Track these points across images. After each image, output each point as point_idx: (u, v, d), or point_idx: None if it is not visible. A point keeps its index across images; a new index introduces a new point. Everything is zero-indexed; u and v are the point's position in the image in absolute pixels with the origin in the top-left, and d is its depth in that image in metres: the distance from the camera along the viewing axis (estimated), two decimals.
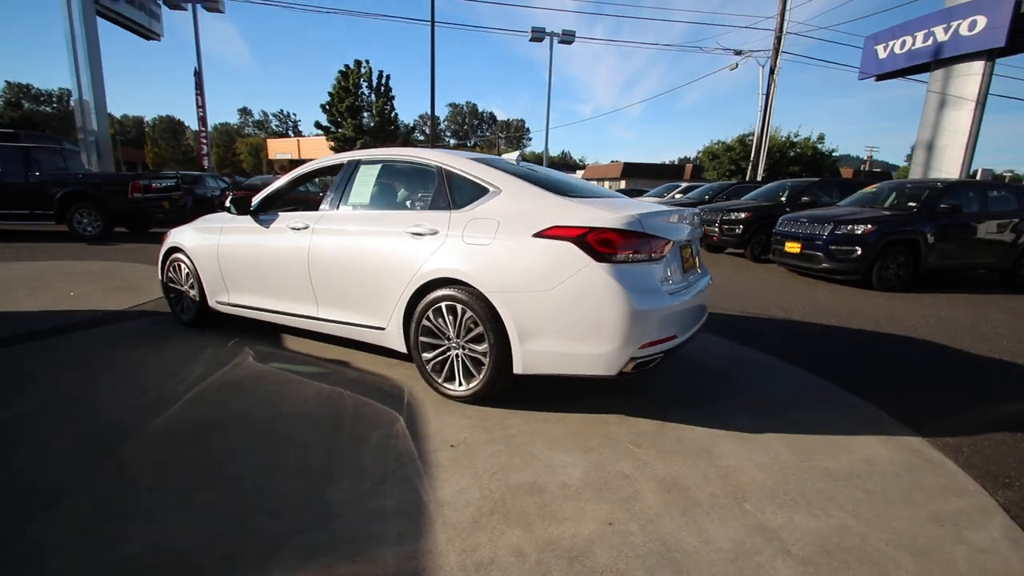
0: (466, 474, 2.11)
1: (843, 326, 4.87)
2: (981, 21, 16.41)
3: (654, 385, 3.14)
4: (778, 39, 23.64)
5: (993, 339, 4.56)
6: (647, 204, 2.91)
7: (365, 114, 32.44)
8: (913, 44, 18.81)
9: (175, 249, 4.24)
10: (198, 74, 17.99)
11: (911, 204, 7.21)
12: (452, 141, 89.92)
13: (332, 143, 33.05)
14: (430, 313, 2.82)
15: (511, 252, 2.56)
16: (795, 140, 35.98)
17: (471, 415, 2.67)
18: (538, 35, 18.96)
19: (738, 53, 23.47)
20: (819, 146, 38.68)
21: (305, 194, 10.45)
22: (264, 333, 4.05)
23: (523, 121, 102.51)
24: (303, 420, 2.56)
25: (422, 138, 50.88)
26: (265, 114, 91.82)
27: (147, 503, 1.87)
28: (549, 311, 2.46)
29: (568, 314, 2.43)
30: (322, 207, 3.42)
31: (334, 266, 3.21)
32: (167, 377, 3.10)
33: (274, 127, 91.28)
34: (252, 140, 63.64)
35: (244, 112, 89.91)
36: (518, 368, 2.59)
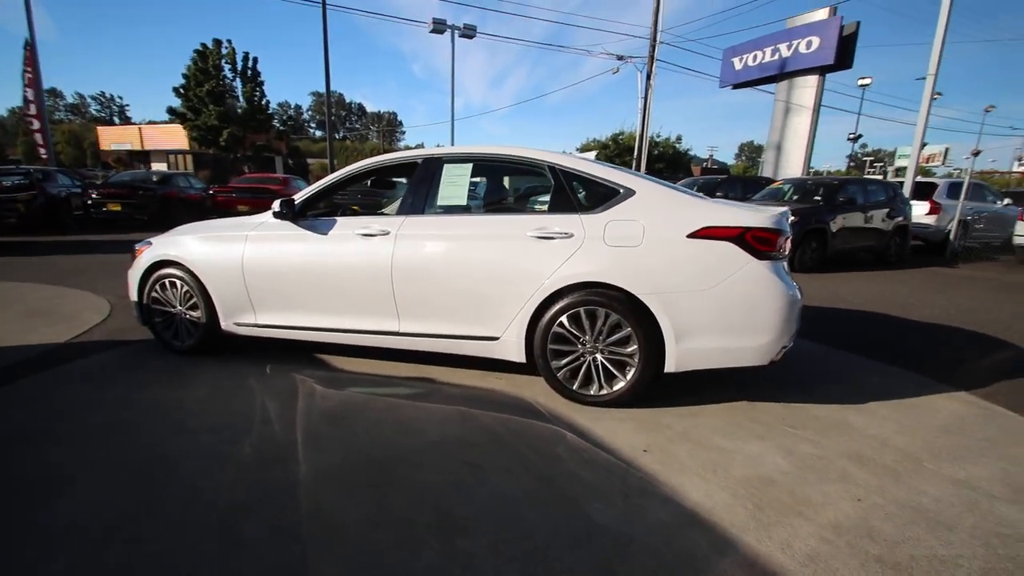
0: (691, 476, 2.12)
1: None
2: (815, 41, 19.67)
3: (723, 372, 3.36)
4: (652, 47, 25.90)
5: (919, 307, 5.63)
6: (758, 205, 3.11)
7: (231, 100, 28.96)
8: (764, 58, 21.89)
9: (165, 263, 3.51)
10: (30, 45, 14.45)
11: (816, 198, 8.52)
12: (318, 133, 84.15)
13: (190, 132, 29.06)
14: (564, 319, 2.73)
15: (664, 254, 2.58)
16: (658, 140, 39.88)
17: (623, 418, 2.66)
18: (439, 27, 18.56)
19: (620, 59, 25.30)
20: (677, 146, 43.37)
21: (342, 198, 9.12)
22: (289, 354, 3.55)
23: (395, 114, 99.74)
24: (471, 447, 2.33)
25: (283, 128, 46.64)
26: (81, 96, 77.39)
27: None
28: (709, 309, 2.55)
29: (729, 310, 2.54)
30: (395, 210, 3.09)
31: (428, 276, 2.94)
32: (238, 419, 2.60)
33: (94, 112, 77.41)
34: (70, 127, 53.12)
35: (53, 94, 74.74)
36: (671, 367, 2.64)
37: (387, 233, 3.00)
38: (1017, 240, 9.16)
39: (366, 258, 3.03)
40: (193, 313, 3.50)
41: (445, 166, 3.09)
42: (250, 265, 3.27)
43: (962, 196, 9.87)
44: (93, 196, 11.14)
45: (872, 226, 8.69)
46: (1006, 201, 11.83)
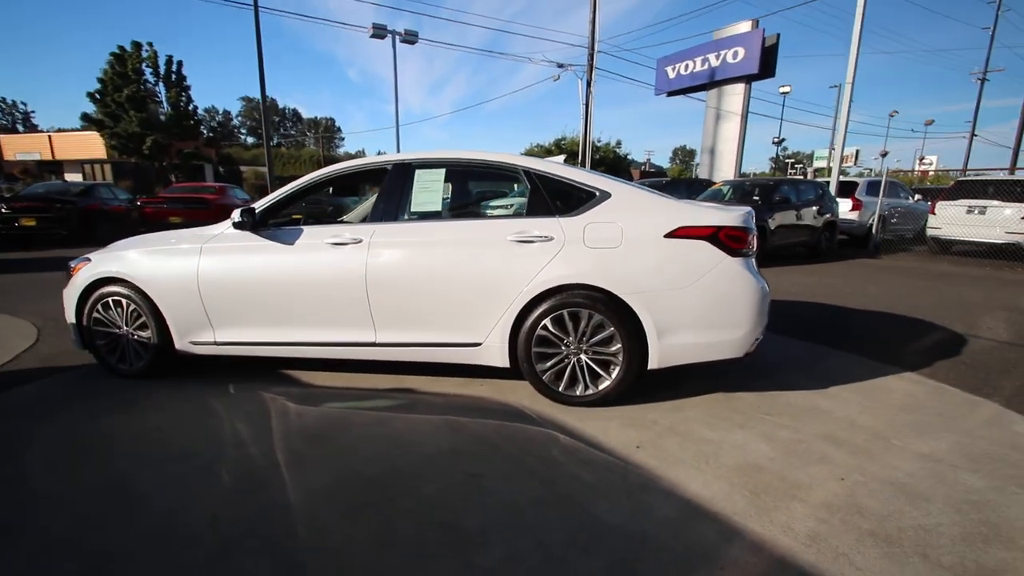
0: (686, 468, 2.17)
1: None
2: (741, 52, 20.91)
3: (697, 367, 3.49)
4: (591, 55, 26.59)
5: (855, 295, 6.07)
6: (725, 206, 3.24)
7: (154, 105, 27.13)
8: (695, 67, 23.03)
9: (107, 281, 3.23)
10: None
11: (754, 198, 9.02)
12: (250, 139, 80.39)
13: (108, 140, 26.97)
14: (547, 322, 2.73)
15: (644, 254, 2.64)
16: (599, 145, 41.01)
17: (610, 416, 2.68)
18: (379, 32, 18.20)
19: (560, 66, 25.80)
20: (617, 151, 44.75)
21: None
22: (252, 371, 3.35)
23: (332, 120, 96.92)
24: (467, 457, 2.27)
25: (211, 135, 43.86)
26: None
27: None
28: (688, 305, 2.62)
29: (707, 306, 2.63)
30: (357, 218, 2.99)
31: (405, 284, 2.86)
32: (207, 445, 2.41)
33: None
34: None
35: None
36: (653, 363, 2.70)
37: (359, 241, 2.90)
38: (930, 232, 10.08)
39: (338, 268, 2.91)
40: (142, 333, 3.23)
41: (417, 172, 3.02)
42: (207, 279, 3.06)
43: (881, 193, 10.76)
44: (3, 210, 10.08)
45: (805, 223, 9.30)
46: (917, 197, 13.01)
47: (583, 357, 2.75)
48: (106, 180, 28.26)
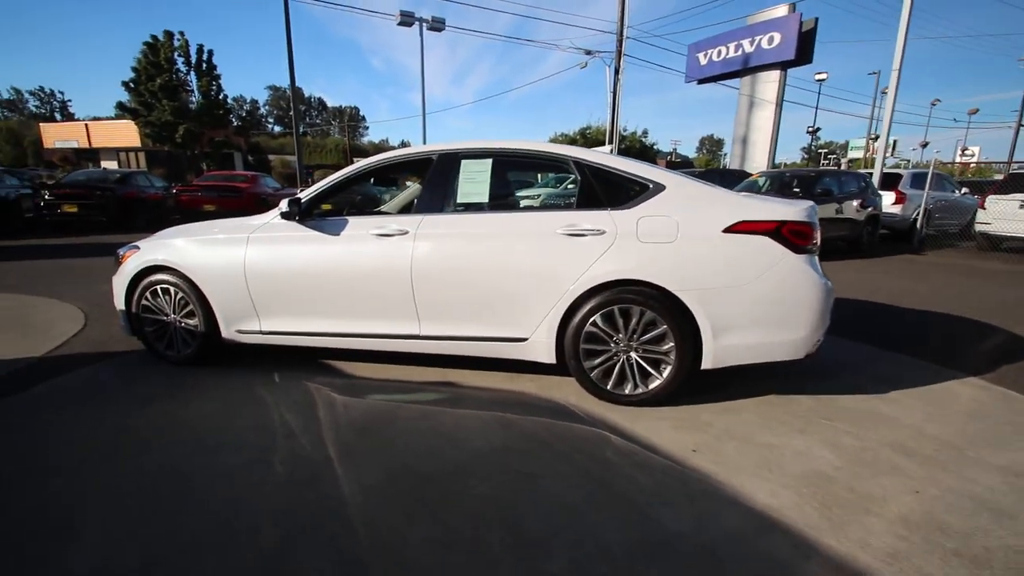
0: (749, 476, 2.08)
1: None
2: (777, 37, 20.21)
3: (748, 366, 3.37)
4: (619, 42, 26.06)
5: (904, 294, 5.82)
6: (785, 199, 3.11)
7: (185, 94, 27.64)
8: (727, 53, 22.36)
9: (155, 269, 3.26)
10: None
11: (794, 190, 8.73)
12: (276, 128, 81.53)
13: (143, 128, 27.60)
14: (597, 318, 2.66)
15: (701, 249, 2.54)
16: (624, 134, 40.40)
17: (660, 416, 2.61)
18: (407, 20, 18.14)
19: (588, 53, 25.36)
20: (643, 140, 43.98)
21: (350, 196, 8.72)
22: (295, 361, 3.36)
23: (357, 109, 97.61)
24: (520, 455, 2.23)
25: (240, 124, 44.30)
26: (18, 92, 72.50)
27: None
28: (747, 304, 2.52)
29: (767, 305, 2.52)
30: (395, 208, 2.94)
31: (452, 276, 2.81)
32: (258, 435, 2.42)
33: (33, 108, 72.81)
34: (7, 124, 49.67)
35: None
36: (707, 363, 2.60)
37: (405, 233, 2.86)
38: (979, 227, 9.62)
39: (383, 259, 2.88)
40: (189, 321, 3.26)
41: (463, 162, 2.96)
42: (254, 269, 3.07)
43: (927, 186, 10.31)
44: (47, 197, 10.40)
45: (846, 216, 8.97)
46: (964, 190, 12.43)
47: (633, 355, 2.68)
48: (140, 168, 29.03)
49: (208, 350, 3.29)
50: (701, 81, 24.62)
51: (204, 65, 28.73)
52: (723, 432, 2.45)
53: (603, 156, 2.83)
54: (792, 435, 2.44)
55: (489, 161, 2.92)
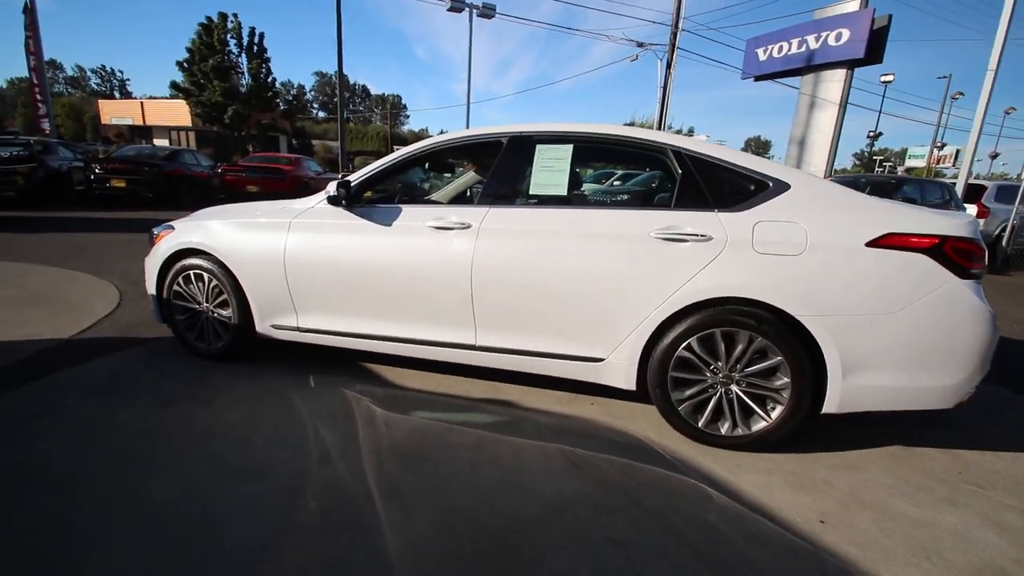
0: (903, 565, 1.61)
1: None
2: (845, 34, 18.91)
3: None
4: (674, 34, 25.07)
5: (1005, 322, 5.09)
6: (943, 210, 2.57)
7: (236, 76, 28.13)
8: (789, 50, 21.12)
9: (189, 252, 2.97)
10: (30, 9, 13.65)
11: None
12: (321, 114, 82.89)
13: (194, 108, 28.26)
14: (693, 342, 2.20)
15: (836, 265, 2.05)
16: (670, 131, 39.22)
17: (766, 467, 2.14)
18: (457, 6, 17.76)
19: (640, 45, 24.51)
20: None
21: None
22: (331, 363, 3.02)
23: (399, 97, 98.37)
24: (603, 512, 1.80)
25: (287, 108, 44.82)
26: (81, 69, 75.89)
27: None
28: (891, 337, 2.02)
29: (917, 340, 2.01)
30: (446, 197, 2.55)
31: (519, 280, 2.40)
32: (289, 456, 2.07)
33: (94, 85, 76.12)
34: (70, 100, 51.96)
35: (52, 66, 73.24)
36: (831, 406, 2.11)
37: (467, 226, 2.46)
38: None
39: (440, 255, 2.50)
40: (222, 312, 2.96)
41: (538, 147, 2.53)
42: (294, 258, 2.73)
43: (1018, 201, 9.32)
44: (96, 171, 10.51)
45: None
46: None
47: (734, 388, 2.21)
48: (190, 147, 29.80)
49: (241, 344, 2.99)
50: (759, 78, 23.41)
51: (255, 48, 29.19)
52: (849, 496, 1.97)
53: (710, 146, 2.36)
54: (940, 507, 1.93)
55: (569, 147, 2.48)
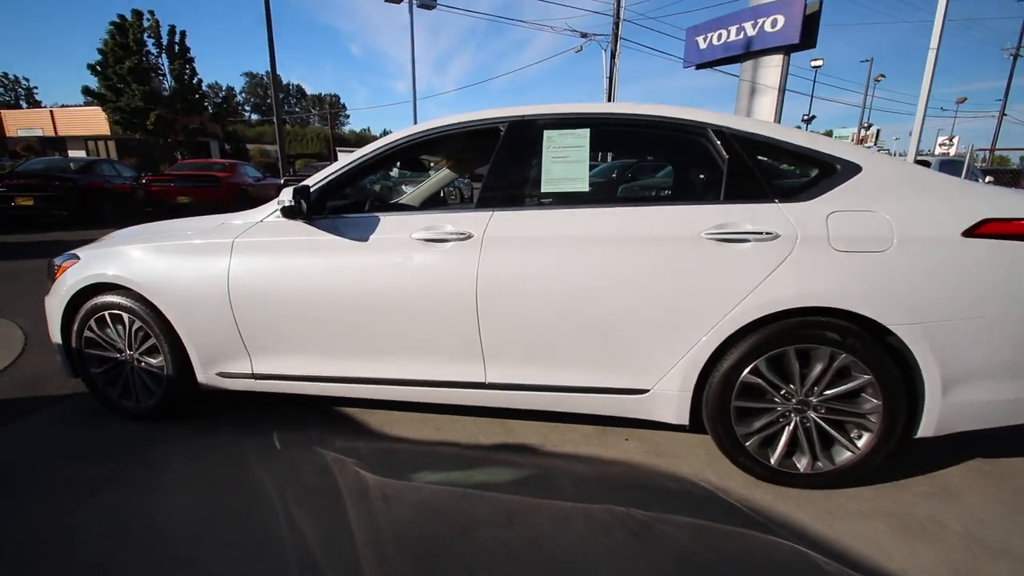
0: None
1: None
2: (780, 19, 19.39)
3: None
4: (616, 24, 25.15)
5: None
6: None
7: (157, 78, 26.02)
8: (728, 37, 21.49)
9: (102, 288, 2.32)
10: None
11: None
12: (254, 116, 78.90)
13: (111, 115, 25.96)
14: (761, 363, 1.80)
15: (930, 260, 1.69)
16: None
17: (862, 508, 1.77)
18: None
19: (584, 36, 24.39)
20: None
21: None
22: (298, 409, 2.45)
23: (337, 96, 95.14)
24: None
25: (216, 111, 41.55)
26: None
27: None
28: (996, 343, 1.68)
29: None
30: (418, 199, 2.06)
31: (537, 300, 1.93)
32: (260, 563, 1.52)
33: None
34: None
35: None
36: (927, 429, 1.76)
37: (467, 237, 1.96)
38: None
39: (434, 275, 1.99)
40: (151, 360, 2.34)
41: (545, 134, 2.05)
42: (242, 288, 2.15)
43: (963, 175, 9.67)
44: None
45: None
46: (988, 179, 11.87)
47: (812, 416, 1.83)
48: (110, 157, 27.35)
49: (180, 399, 2.37)
50: (700, 66, 23.77)
51: (177, 47, 27.10)
52: (970, 538, 1.62)
53: (758, 123, 1.96)
54: None
55: (586, 132, 2.01)
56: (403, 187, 6.48)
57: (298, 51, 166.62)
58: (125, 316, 2.29)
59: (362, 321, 2.07)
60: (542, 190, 2.02)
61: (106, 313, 2.31)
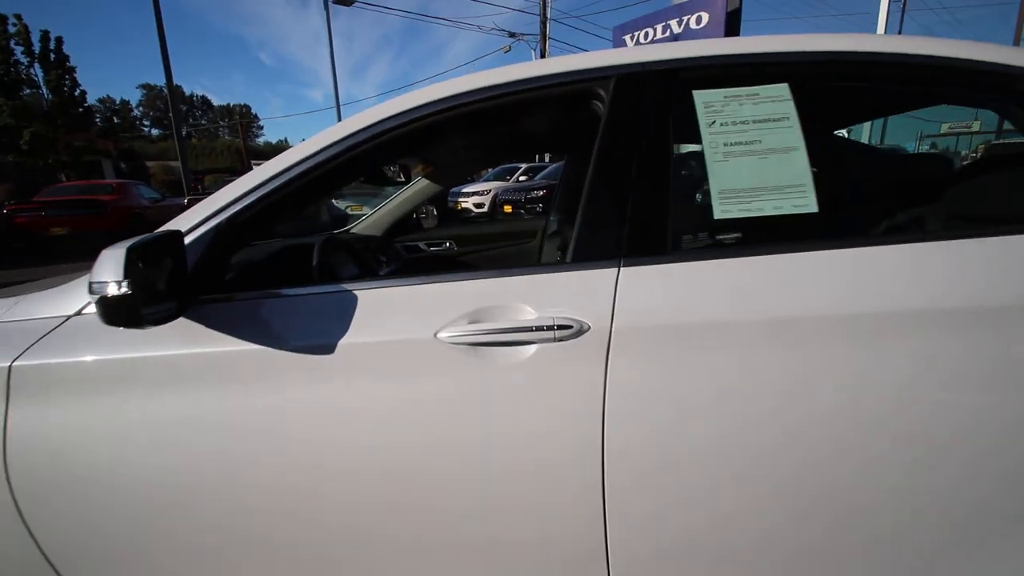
0: None
1: None
2: (704, 17, 19.53)
3: None
4: (543, 22, 24.86)
5: None
6: None
7: (29, 91, 22.60)
8: (655, 35, 21.46)
9: None
10: None
11: None
12: (155, 131, 72.25)
13: None
14: None
15: None
16: None
17: None
18: None
19: (512, 36, 23.80)
20: None
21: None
22: None
23: (248, 107, 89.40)
24: None
25: (107, 126, 36.59)
26: None
27: None
28: None
29: None
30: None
31: (744, 463, 0.86)
32: None
33: None
34: None
35: None
36: None
37: (576, 330, 0.85)
38: None
39: (507, 425, 0.86)
40: None
41: (699, 98, 0.98)
42: (38, 471, 0.92)
43: None
44: None
45: None
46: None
47: None
48: None
49: None
50: None
51: (52, 55, 23.65)
52: None
53: None
54: None
55: (784, 88, 0.96)
56: (340, 206, 5.07)
57: (202, 61, 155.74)
58: None
59: (328, 518, 0.92)
60: (715, 216, 0.93)
61: None
